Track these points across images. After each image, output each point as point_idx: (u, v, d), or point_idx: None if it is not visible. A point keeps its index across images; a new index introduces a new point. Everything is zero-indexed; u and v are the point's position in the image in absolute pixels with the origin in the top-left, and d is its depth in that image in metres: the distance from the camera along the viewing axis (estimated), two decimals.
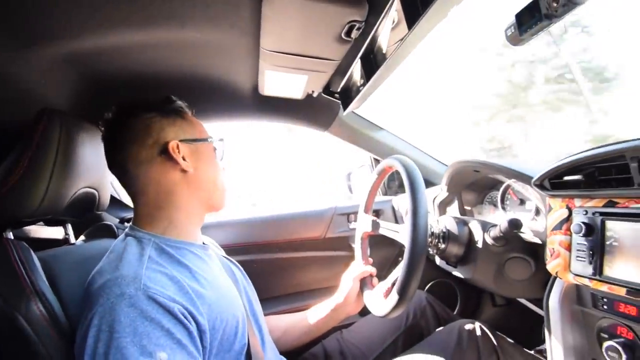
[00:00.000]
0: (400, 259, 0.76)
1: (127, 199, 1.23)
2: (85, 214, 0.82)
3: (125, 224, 1.03)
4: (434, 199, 1.13)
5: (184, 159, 0.66)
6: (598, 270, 0.55)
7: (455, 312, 1.29)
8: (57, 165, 0.66)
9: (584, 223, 0.56)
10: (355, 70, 0.83)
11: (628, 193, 0.52)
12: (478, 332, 0.85)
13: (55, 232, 0.90)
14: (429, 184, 1.28)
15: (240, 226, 1.32)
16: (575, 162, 0.57)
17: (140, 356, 0.46)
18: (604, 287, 0.55)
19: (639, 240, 0.51)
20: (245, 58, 0.82)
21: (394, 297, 0.71)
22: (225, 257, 0.79)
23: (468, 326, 0.86)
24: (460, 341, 0.84)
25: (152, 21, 0.66)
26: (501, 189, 0.91)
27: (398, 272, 0.78)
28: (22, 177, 0.62)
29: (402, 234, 0.80)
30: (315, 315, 0.91)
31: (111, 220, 0.98)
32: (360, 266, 0.93)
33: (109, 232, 0.88)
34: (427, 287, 1.29)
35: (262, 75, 0.87)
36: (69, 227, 0.85)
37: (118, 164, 0.68)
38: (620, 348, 0.55)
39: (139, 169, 0.66)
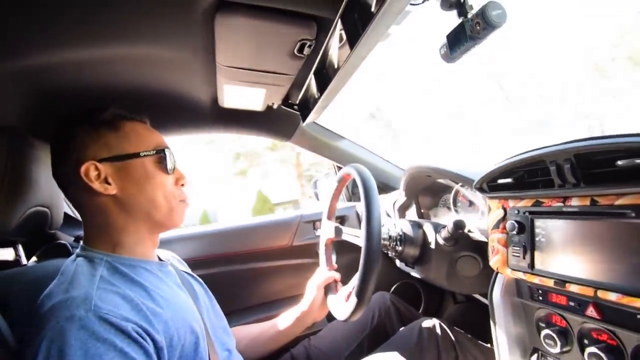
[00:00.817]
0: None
1: None
2: (37, 234, 0.79)
3: (81, 242, 0.99)
4: (394, 203, 1.18)
5: (106, 180, 0.61)
6: (530, 264, 0.61)
7: (420, 311, 1.35)
8: (5, 184, 0.64)
9: (516, 221, 0.62)
10: (312, 83, 0.87)
11: (550, 193, 0.58)
12: (437, 329, 0.89)
13: (5, 254, 0.86)
14: (390, 188, 1.33)
15: (206, 238, 1.31)
16: (507, 166, 0.63)
17: None
18: (537, 280, 0.61)
19: (561, 235, 0.57)
20: (202, 72, 0.83)
21: (352, 300, 0.74)
22: (185, 273, 0.77)
23: (428, 324, 0.90)
24: (421, 339, 0.88)
25: (102, 38, 0.65)
26: (452, 192, 0.97)
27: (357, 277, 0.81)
28: None
29: (362, 238, 0.84)
30: (281, 323, 0.92)
31: (65, 239, 0.95)
32: (324, 273, 0.96)
33: (63, 252, 0.85)
34: (392, 289, 1.34)
35: (220, 88, 0.88)
36: (20, 247, 0.82)
37: (57, 183, 0.65)
38: (555, 335, 0.60)
39: (68, 190, 0.64)
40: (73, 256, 0.62)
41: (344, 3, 0.55)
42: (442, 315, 1.32)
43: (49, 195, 0.76)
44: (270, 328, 0.92)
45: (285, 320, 0.92)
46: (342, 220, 1.34)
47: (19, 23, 0.57)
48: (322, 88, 0.82)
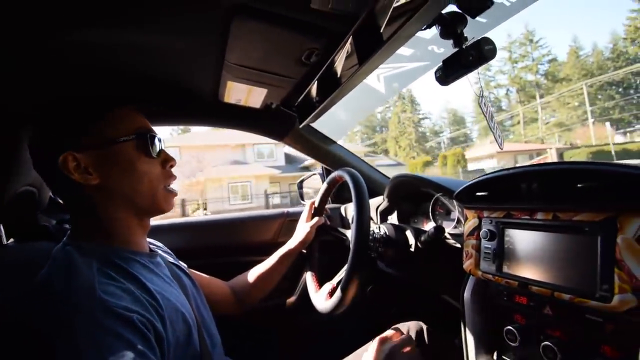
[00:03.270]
0: (345, 261, 0.84)
1: None
2: (22, 214, 0.78)
3: (65, 225, 0.98)
4: (377, 207, 1.25)
5: (87, 170, 0.59)
6: (498, 268, 0.69)
7: (394, 310, 1.42)
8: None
9: (489, 230, 0.71)
10: (313, 89, 0.92)
11: (519, 207, 0.67)
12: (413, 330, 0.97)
13: None
14: (374, 193, 1.41)
15: (191, 229, 1.33)
16: (484, 181, 0.72)
17: None
18: (503, 282, 0.69)
19: (526, 244, 0.65)
20: (208, 67, 0.85)
21: (337, 295, 0.80)
22: (172, 264, 0.78)
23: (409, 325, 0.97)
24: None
25: (119, 22, 0.65)
26: (432, 201, 1.06)
27: (342, 273, 0.87)
28: None
29: (352, 237, 0.90)
30: (273, 260, 1.03)
31: (47, 221, 0.93)
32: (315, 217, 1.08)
33: (45, 234, 0.84)
34: (369, 288, 1.40)
35: (223, 84, 0.91)
36: (1, 227, 0.80)
37: (40, 175, 0.64)
38: (515, 331, 0.68)
39: (51, 183, 0.64)
40: (61, 245, 0.60)
41: (358, 21, 0.60)
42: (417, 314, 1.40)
43: (37, 175, 0.76)
44: (262, 267, 1.03)
45: (274, 258, 1.03)
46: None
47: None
48: (323, 94, 0.87)
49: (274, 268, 1.02)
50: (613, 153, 17.44)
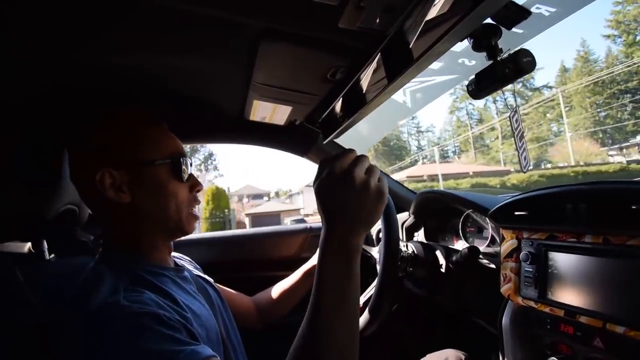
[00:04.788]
0: (370, 279, 0.81)
1: None
2: (65, 230, 0.81)
3: (101, 241, 1.01)
4: (403, 223, 1.21)
5: (120, 188, 0.60)
6: (542, 294, 0.65)
7: (419, 332, 1.36)
8: (47, 182, 0.66)
9: (530, 252, 0.66)
10: (337, 105, 0.91)
11: (564, 228, 0.62)
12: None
13: (18, 247, 0.87)
14: (399, 209, 1.37)
15: (214, 243, 1.33)
16: (524, 199, 0.67)
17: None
18: (547, 309, 0.64)
19: (573, 269, 0.61)
20: (235, 88, 0.86)
21: (365, 316, 0.77)
22: (199, 277, 0.78)
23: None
24: None
25: (153, 48, 0.67)
26: (461, 218, 1.01)
27: (369, 292, 0.84)
28: (9, 189, 0.62)
29: (375, 254, 0.87)
30: (294, 277, 0.99)
31: (86, 237, 0.96)
32: None
33: (83, 249, 0.87)
34: (394, 307, 1.36)
35: (249, 103, 0.92)
36: (44, 242, 0.83)
37: (75, 187, 0.66)
38: None
39: (85, 195, 0.65)
40: (94, 262, 0.62)
41: (387, 39, 0.59)
42: (440, 336, 1.34)
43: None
44: (288, 284, 0.99)
45: (300, 274, 0.98)
46: None
47: (83, 23, 0.55)
48: (349, 111, 0.86)
49: (297, 284, 1.00)
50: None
